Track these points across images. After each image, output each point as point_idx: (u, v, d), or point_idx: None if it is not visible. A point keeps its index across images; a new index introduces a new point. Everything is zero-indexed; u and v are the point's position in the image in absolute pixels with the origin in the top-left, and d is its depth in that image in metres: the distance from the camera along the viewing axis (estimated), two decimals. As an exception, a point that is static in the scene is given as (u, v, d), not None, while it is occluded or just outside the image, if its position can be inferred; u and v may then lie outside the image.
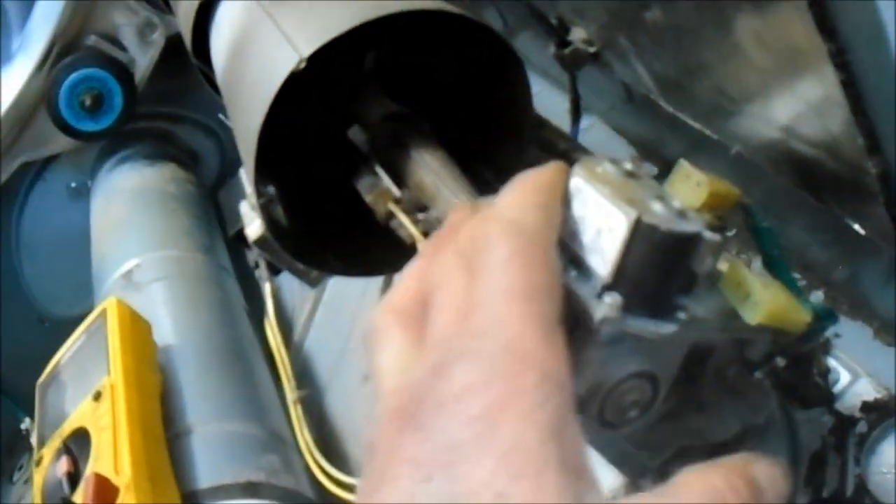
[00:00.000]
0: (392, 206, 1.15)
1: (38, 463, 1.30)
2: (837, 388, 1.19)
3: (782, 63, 0.86)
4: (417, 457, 0.49)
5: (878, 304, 1.23)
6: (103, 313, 1.40)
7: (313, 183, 1.35)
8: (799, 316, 0.82)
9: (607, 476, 1.27)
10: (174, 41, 2.25)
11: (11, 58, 2.22)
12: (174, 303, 1.66)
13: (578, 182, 0.77)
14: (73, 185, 2.47)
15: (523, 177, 0.74)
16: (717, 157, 1.23)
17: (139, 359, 1.33)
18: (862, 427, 1.14)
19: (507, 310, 0.58)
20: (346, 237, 1.33)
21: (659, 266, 0.73)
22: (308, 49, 1.10)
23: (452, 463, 0.48)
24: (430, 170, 1.14)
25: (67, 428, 1.27)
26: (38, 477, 1.27)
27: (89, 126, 2.19)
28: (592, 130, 1.69)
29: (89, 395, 1.27)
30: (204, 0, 1.54)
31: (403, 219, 1.13)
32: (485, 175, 1.28)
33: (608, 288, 0.72)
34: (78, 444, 1.23)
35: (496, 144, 1.32)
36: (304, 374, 1.92)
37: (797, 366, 1.14)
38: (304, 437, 1.21)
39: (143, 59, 2.25)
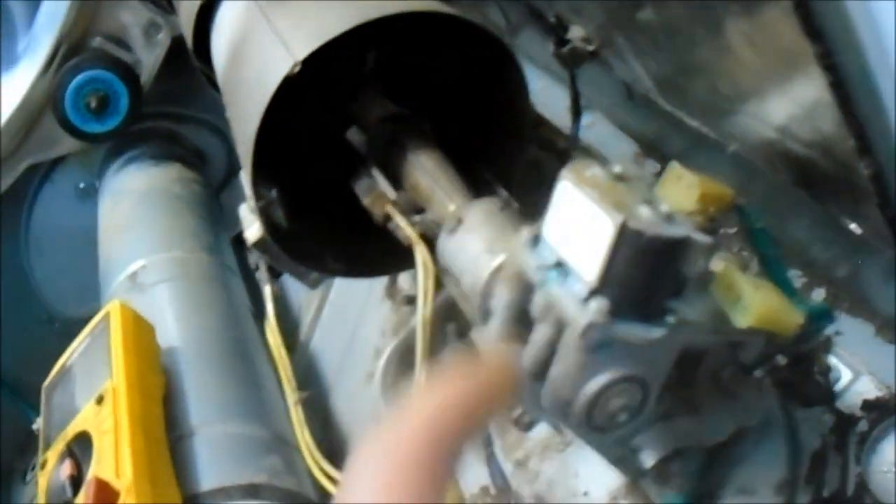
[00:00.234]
0: (389, 209, 1.15)
1: (43, 466, 1.31)
2: (838, 387, 1.18)
3: (773, 64, 0.86)
4: None
5: (879, 301, 1.22)
6: (106, 317, 1.41)
7: (313, 184, 1.35)
8: (791, 318, 0.81)
9: (608, 476, 1.27)
10: (179, 41, 2.25)
11: (17, 60, 2.23)
12: (179, 304, 1.67)
13: (566, 185, 0.77)
14: (82, 185, 2.48)
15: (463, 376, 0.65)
16: (717, 154, 1.22)
17: (142, 362, 1.34)
18: (863, 426, 1.14)
19: None
20: (346, 238, 1.33)
21: (646, 270, 0.73)
22: (302, 53, 1.10)
23: None
24: (426, 172, 1.14)
25: (71, 431, 1.28)
26: (43, 480, 1.28)
27: (95, 128, 2.20)
28: (595, 127, 1.68)
29: (92, 398, 1.28)
30: (205, 1, 1.55)
31: (400, 221, 1.13)
32: (484, 175, 1.28)
33: (594, 293, 0.72)
34: (81, 447, 1.24)
35: (495, 144, 1.32)
36: (310, 373, 1.93)
37: (798, 364, 1.14)
38: (305, 439, 1.21)
39: (148, 60, 2.25)
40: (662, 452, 0.89)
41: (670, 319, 0.75)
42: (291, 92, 1.14)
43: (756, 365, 0.94)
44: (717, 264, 0.82)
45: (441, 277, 1.05)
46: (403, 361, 1.73)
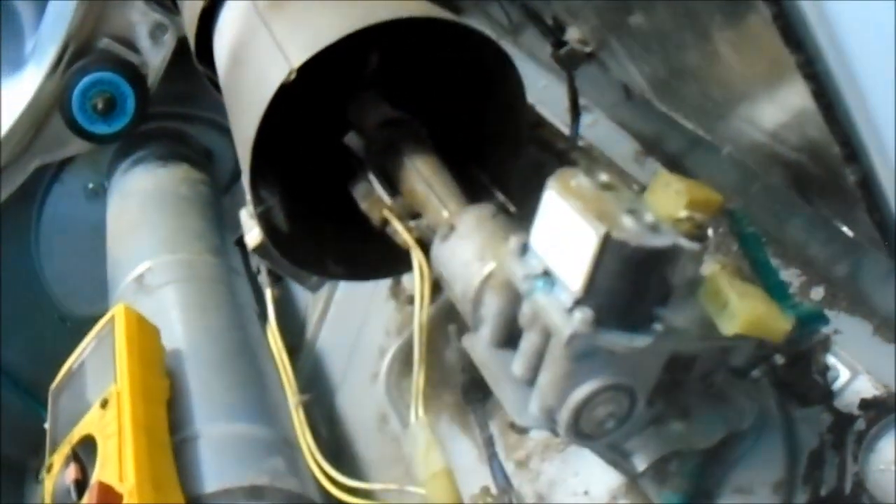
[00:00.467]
0: (386, 214, 1.16)
1: (49, 469, 1.32)
2: (836, 386, 1.18)
3: (760, 71, 0.86)
4: None
5: (877, 300, 1.22)
6: (111, 320, 1.42)
7: (313, 188, 1.36)
8: (778, 325, 0.82)
9: (607, 476, 1.28)
10: (185, 42, 2.26)
11: (25, 62, 2.25)
12: (184, 306, 1.68)
13: (552, 195, 0.77)
14: (90, 186, 2.50)
15: None
16: (717, 154, 1.22)
17: (146, 366, 1.35)
18: (860, 424, 1.14)
19: None
20: (346, 242, 1.34)
21: (631, 280, 0.73)
22: (298, 60, 1.11)
23: None
24: (422, 177, 1.14)
25: (76, 435, 1.29)
26: (49, 484, 1.30)
27: (102, 129, 2.21)
28: (597, 126, 1.68)
29: (97, 402, 1.29)
30: (206, 5, 1.56)
31: (397, 226, 1.13)
32: (481, 178, 1.29)
33: (579, 302, 0.73)
34: (86, 451, 1.25)
35: (493, 148, 1.33)
36: (317, 372, 1.94)
37: (796, 364, 1.14)
38: (307, 441, 1.22)
39: (154, 61, 2.26)
40: (654, 456, 0.90)
41: (657, 327, 0.76)
42: (290, 96, 1.15)
43: (747, 369, 0.95)
44: (708, 268, 0.83)
45: (440, 280, 1.05)
46: (407, 361, 1.74)
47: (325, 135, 1.36)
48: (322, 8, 1.24)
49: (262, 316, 1.80)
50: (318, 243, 1.33)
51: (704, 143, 1.27)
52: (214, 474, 1.26)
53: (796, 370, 1.15)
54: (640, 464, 0.90)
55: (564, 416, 0.75)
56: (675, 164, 1.47)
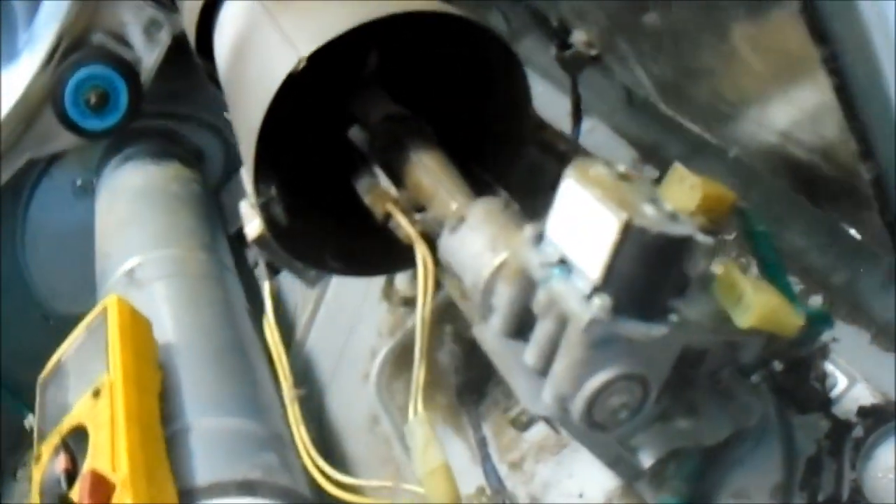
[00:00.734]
0: (390, 207, 1.15)
1: (37, 460, 1.30)
2: (834, 393, 1.19)
3: (778, 68, 0.86)
4: None
5: (875, 308, 1.23)
6: (104, 311, 1.40)
7: (313, 183, 1.35)
8: (791, 320, 0.82)
9: (603, 478, 1.28)
10: (180, 40, 2.25)
11: (17, 54, 2.23)
12: (176, 301, 1.67)
13: (571, 183, 0.77)
14: (79, 182, 2.47)
15: None
16: (717, 160, 1.23)
17: (139, 356, 1.33)
18: (858, 432, 1.14)
19: None
20: (344, 237, 1.33)
21: (649, 268, 0.73)
22: (307, 49, 1.10)
23: None
24: (429, 171, 1.14)
25: (66, 425, 1.27)
26: (37, 474, 1.27)
27: (94, 124, 2.19)
28: (594, 133, 1.69)
29: (89, 392, 1.28)
30: (208, 1, 1.55)
31: (401, 219, 1.13)
32: (484, 177, 1.28)
33: (598, 289, 0.73)
34: (76, 441, 1.24)
35: (495, 146, 1.33)
36: (306, 373, 1.93)
37: (794, 370, 1.14)
38: (301, 436, 1.21)
39: (149, 58, 2.25)
40: (661, 452, 0.90)
41: (672, 318, 0.76)
42: (294, 89, 1.14)
43: (755, 367, 0.95)
44: (718, 266, 0.83)
45: (440, 277, 1.05)
46: (399, 362, 1.73)
47: (324, 130, 1.36)
48: (329, 1, 1.24)
49: (253, 313, 1.80)
50: (316, 238, 1.32)
51: (704, 149, 1.28)
52: (206, 467, 1.25)
53: (795, 377, 1.15)
54: (647, 460, 0.90)
55: (578, 404, 0.75)
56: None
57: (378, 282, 1.80)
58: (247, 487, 1.22)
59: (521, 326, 0.84)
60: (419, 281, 1.06)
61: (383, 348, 1.71)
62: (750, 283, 0.80)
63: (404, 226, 1.12)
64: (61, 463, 1.19)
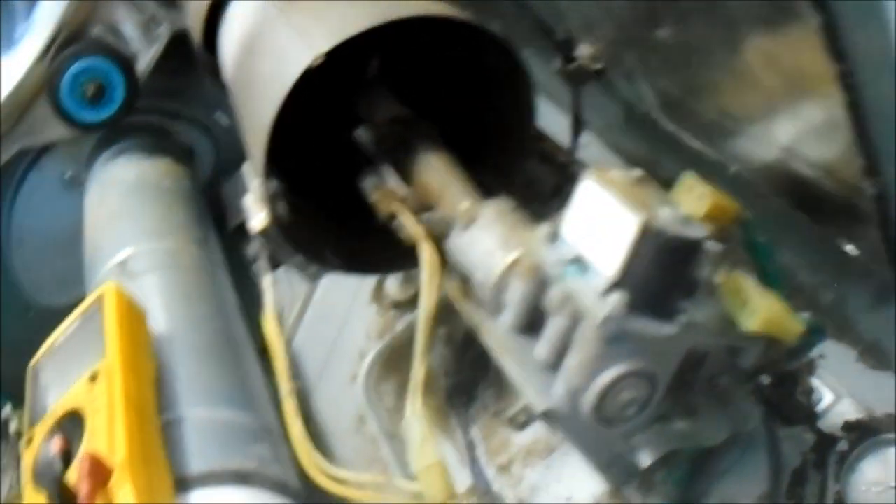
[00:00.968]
0: (396, 206, 1.17)
1: (29, 442, 1.30)
2: (820, 408, 1.22)
3: (789, 84, 0.89)
4: None
5: (862, 327, 1.26)
6: (100, 298, 1.41)
7: (314, 182, 1.37)
8: (793, 326, 0.85)
9: (591, 482, 1.30)
10: (178, 37, 2.26)
11: (15, 44, 2.23)
12: (168, 294, 1.67)
13: (590, 184, 0.80)
14: (68, 175, 2.46)
15: None
16: (714, 177, 1.26)
17: (135, 344, 1.34)
18: (843, 446, 1.17)
19: None
20: (344, 236, 1.35)
21: (664, 268, 0.76)
22: (325, 46, 1.12)
23: None
24: (437, 172, 1.16)
25: (61, 409, 1.27)
26: (29, 456, 1.27)
27: (89, 116, 2.19)
28: (589, 148, 1.71)
29: (84, 377, 1.28)
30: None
31: (407, 218, 1.15)
32: (484, 180, 1.31)
33: (614, 287, 0.75)
34: (71, 425, 1.24)
35: (498, 151, 1.35)
36: (292, 372, 1.92)
37: (781, 384, 1.18)
38: (297, 430, 1.22)
39: (146, 53, 2.25)
40: (659, 452, 0.92)
41: (682, 319, 0.78)
42: (300, 89, 1.16)
43: (754, 373, 0.97)
44: (725, 272, 0.85)
45: (452, 270, 1.07)
46: (387, 364, 1.75)
47: (325, 129, 1.38)
48: (342, 1, 1.26)
49: (243, 308, 1.81)
50: (317, 235, 1.34)
51: (701, 165, 1.31)
52: (200, 456, 1.25)
53: (782, 390, 1.18)
54: (646, 459, 0.92)
55: (590, 398, 0.77)
56: (670, 187, 1.50)
57: (367, 284, 1.82)
58: (242, 478, 1.22)
59: (531, 323, 0.86)
60: (423, 279, 1.08)
61: (372, 350, 1.72)
62: (756, 288, 0.82)
63: (410, 225, 1.14)
64: (56, 445, 1.19)
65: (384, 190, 1.21)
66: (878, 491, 1.13)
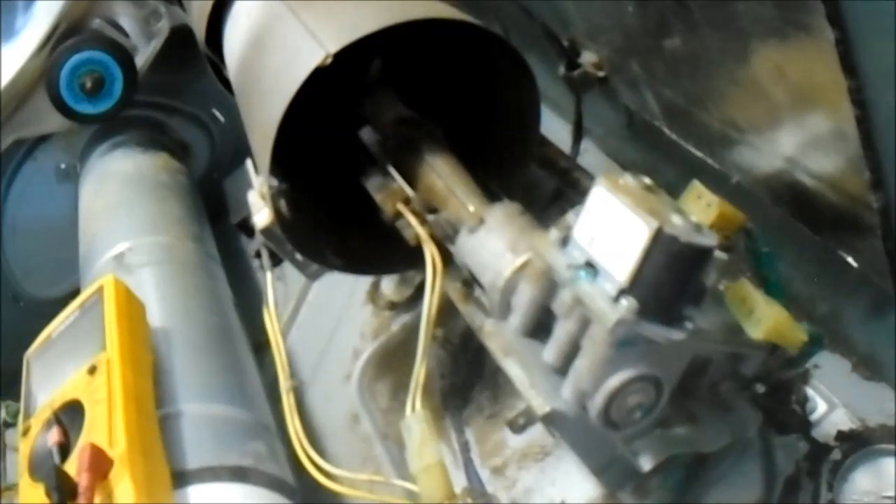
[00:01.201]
0: (401, 207, 1.18)
1: (25, 433, 1.30)
2: (814, 417, 1.24)
3: (796, 97, 0.90)
4: None
5: (857, 339, 1.28)
6: (100, 290, 1.41)
7: (316, 181, 1.37)
8: (797, 334, 0.86)
9: (585, 486, 1.31)
10: (177, 33, 2.27)
11: (15, 34, 2.22)
12: (165, 288, 1.68)
13: (601, 191, 0.81)
14: (63, 166, 2.46)
15: None
16: (713, 185, 1.27)
17: (134, 336, 1.34)
18: (836, 455, 1.19)
19: None
20: (345, 237, 1.36)
21: (674, 275, 0.77)
22: (335, 46, 1.13)
23: None
24: (442, 174, 1.17)
25: (59, 399, 1.27)
26: (25, 446, 1.27)
27: (87, 109, 2.19)
28: (587, 155, 1.72)
29: (83, 368, 1.28)
30: (221, -5, 1.57)
31: (412, 219, 1.15)
32: (490, 184, 1.31)
33: (625, 292, 0.76)
34: (70, 415, 1.24)
35: (501, 154, 1.36)
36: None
37: (776, 393, 1.19)
38: (295, 426, 1.22)
39: (146, 47, 2.26)
40: (660, 457, 0.93)
41: (688, 325, 0.79)
42: (305, 89, 1.16)
43: (754, 380, 0.98)
44: (732, 281, 0.87)
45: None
46: (381, 364, 1.75)
47: (327, 129, 1.38)
48: (351, 1, 1.26)
49: (238, 304, 1.81)
50: (318, 235, 1.34)
51: (701, 173, 1.32)
52: (197, 452, 1.26)
53: (776, 399, 1.19)
54: (647, 464, 0.92)
55: (598, 400, 0.78)
56: (669, 196, 1.51)
57: (362, 285, 1.82)
58: (239, 474, 1.23)
59: (539, 326, 0.87)
60: (427, 279, 1.09)
61: (367, 350, 1.73)
62: (761, 297, 0.84)
63: (415, 226, 1.15)
64: (54, 436, 1.20)
65: (389, 190, 1.22)
66: (870, 501, 1.15)
